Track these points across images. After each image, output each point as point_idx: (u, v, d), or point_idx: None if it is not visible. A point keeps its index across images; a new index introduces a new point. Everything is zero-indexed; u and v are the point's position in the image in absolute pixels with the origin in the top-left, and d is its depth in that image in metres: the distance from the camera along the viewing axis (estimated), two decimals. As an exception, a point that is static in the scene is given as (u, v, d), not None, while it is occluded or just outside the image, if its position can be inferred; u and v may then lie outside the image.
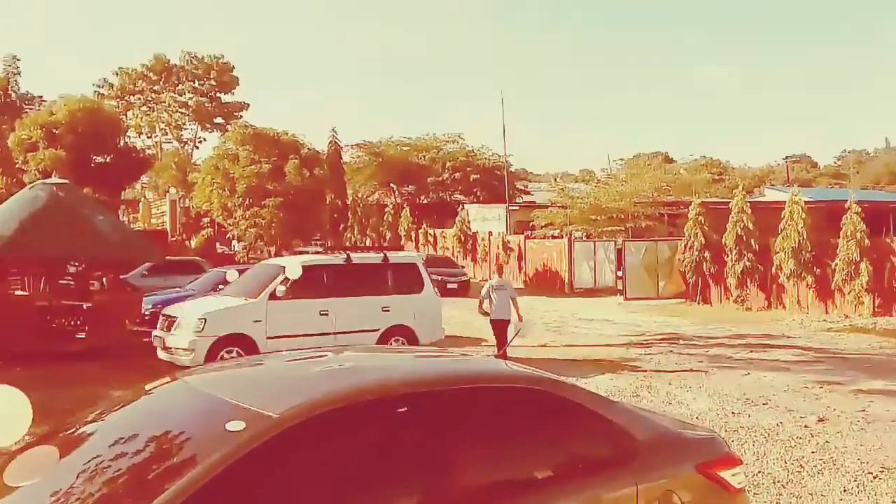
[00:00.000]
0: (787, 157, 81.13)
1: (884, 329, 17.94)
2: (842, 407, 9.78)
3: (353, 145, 51.24)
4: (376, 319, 13.28)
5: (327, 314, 12.84)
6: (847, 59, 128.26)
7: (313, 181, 31.66)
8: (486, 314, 13.79)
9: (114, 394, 6.83)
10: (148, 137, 60.31)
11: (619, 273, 27.57)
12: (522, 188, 51.72)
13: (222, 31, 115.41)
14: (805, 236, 21.02)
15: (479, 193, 50.30)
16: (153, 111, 59.85)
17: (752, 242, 22.77)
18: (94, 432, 3.34)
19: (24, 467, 2.93)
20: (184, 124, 61.51)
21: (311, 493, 2.86)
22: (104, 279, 16.09)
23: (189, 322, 12.26)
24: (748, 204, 23.86)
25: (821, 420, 9.05)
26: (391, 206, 46.90)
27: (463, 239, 37.49)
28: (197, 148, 61.98)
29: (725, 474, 3.74)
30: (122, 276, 18.07)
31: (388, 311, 13.44)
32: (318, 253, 15.00)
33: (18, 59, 44.70)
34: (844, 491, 6.55)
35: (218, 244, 34.96)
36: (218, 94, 59.80)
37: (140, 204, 46.58)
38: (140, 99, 59.59)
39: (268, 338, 12.28)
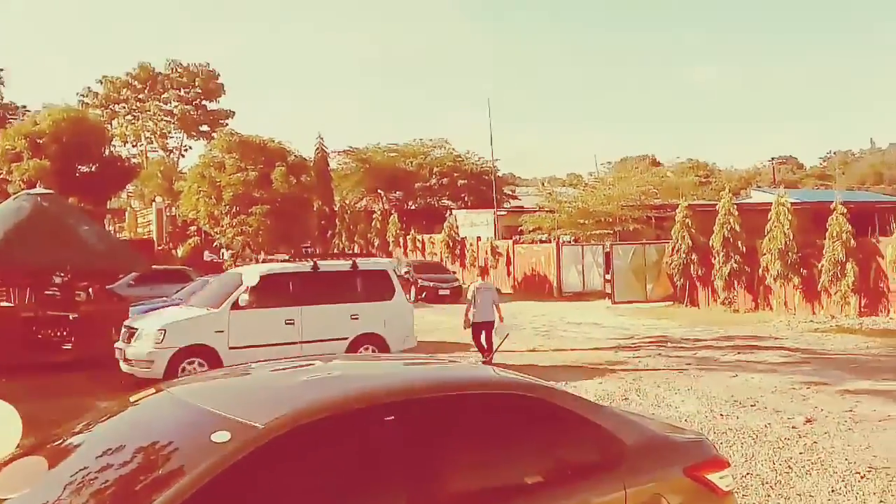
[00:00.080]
0: (773, 159, 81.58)
1: (870, 329, 18.03)
2: (829, 407, 9.82)
3: (340, 152, 51.32)
4: (345, 328, 12.97)
5: (293, 323, 12.62)
6: (837, 60, 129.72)
7: (300, 188, 31.64)
8: (471, 325, 13.88)
9: (100, 405, 6.80)
10: (133, 146, 60.11)
11: (608, 276, 27.61)
12: (510, 193, 51.81)
13: (222, 31, 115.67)
14: (791, 238, 21.11)
15: (466, 199, 50.41)
16: (138, 120, 59.67)
17: (739, 244, 22.86)
18: (81, 444, 3.34)
19: (12, 479, 2.93)
20: (169, 132, 61.39)
21: (299, 504, 2.85)
22: (90, 289, 15.97)
23: (149, 333, 12.04)
24: (735, 206, 23.96)
25: (808, 421, 9.09)
26: (379, 213, 46.82)
27: (451, 244, 37.42)
28: (183, 156, 61.97)
29: (713, 477, 3.77)
30: (108, 286, 17.96)
31: (357, 318, 13.16)
32: (285, 261, 14.79)
33: (1, 70, 44.40)
34: (833, 491, 6.58)
35: (206, 252, 34.81)
36: (203, 102, 59.70)
37: (126, 213, 46.39)
38: (125, 108, 59.44)
39: (230, 348, 12.02)
